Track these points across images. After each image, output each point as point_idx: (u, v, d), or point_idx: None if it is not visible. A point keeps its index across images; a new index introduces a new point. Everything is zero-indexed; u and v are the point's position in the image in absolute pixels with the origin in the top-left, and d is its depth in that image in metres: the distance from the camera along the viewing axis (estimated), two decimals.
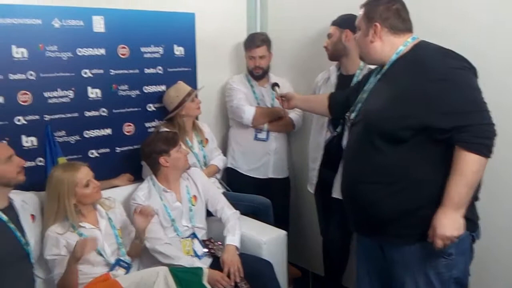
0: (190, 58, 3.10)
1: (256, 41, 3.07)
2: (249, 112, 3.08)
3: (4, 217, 2.07)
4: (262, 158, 3.20)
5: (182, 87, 2.91)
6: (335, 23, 2.67)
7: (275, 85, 2.83)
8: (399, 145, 1.76)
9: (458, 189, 1.68)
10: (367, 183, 1.85)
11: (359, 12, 1.94)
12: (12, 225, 2.08)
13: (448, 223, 1.68)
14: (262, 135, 3.16)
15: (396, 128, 1.74)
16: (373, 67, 2.09)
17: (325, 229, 2.98)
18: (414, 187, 1.77)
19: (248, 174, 3.23)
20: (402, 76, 1.78)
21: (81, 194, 2.21)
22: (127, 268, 2.31)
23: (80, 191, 2.20)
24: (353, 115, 1.98)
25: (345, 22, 2.57)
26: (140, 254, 2.41)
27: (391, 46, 1.85)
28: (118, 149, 2.85)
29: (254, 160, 3.21)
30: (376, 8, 1.85)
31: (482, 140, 1.64)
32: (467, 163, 1.65)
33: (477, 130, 1.64)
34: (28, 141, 2.47)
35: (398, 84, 1.78)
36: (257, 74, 3.12)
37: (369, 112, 1.87)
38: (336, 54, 2.69)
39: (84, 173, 2.23)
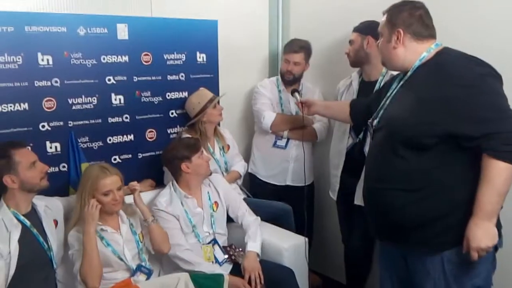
0: (212, 65, 3.11)
1: (295, 46, 3.05)
2: (268, 117, 3.07)
3: (28, 222, 2.10)
4: (280, 165, 3.19)
5: (204, 94, 2.92)
6: (357, 29, 2.66)
7: (295, 91, 2.82)
8: (422, 152, 1.75)
9: (489, 198, 1.65)
10: (390, 189, 1.84)
11: (382, 19, 1.93)
12: (35, 230, 2.11)
13: (482, 234, 1.66)
14: (282, 143, 3.15)
15: (420, 135, 1.73)
16: (395, 73, 2.08)
17: (347, 236, 2.96)
18: (437, 195, 1.75)
19: (266, 180, 3.23)
20: (427, 83, 1.77)
21: (99, 200, 2.21)
22: (148, 274, 2.32)
23: (98, 197, 2.21)
24: (375, 122, 1.97)
25: (367, 29, 2.56)
26: (153, 235, 2.37)
27: (414, 53, 1.84)
28: (140, 155, 2.87)
29: (272, 166, 3.20)
30: (399, 15, 1.85)
31: (511, 148, 1.62)
32: (497, 171, 1.63)
33: (505, 137, 1.62)
34: (52, 147, 2.50)
35: (422, 90, 1.76)
36: (288, 79, 3.09)
37: (392, 119, 1.86)
38: (358, 60, 2.68)
39: (109, 182, 2.22)
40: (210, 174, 2.66)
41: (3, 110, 2.32)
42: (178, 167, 2.53)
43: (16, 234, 2.03)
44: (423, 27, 1.84)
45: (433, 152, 1.73)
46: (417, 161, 1.76)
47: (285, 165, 3.18)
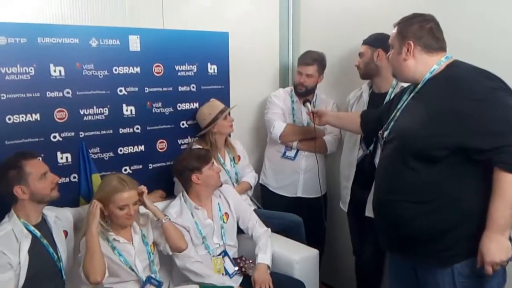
0: (223, 76, 3.12)
1: (308, 58, 3.06)
2: (278, 127, 3.07)
3: (38, 233, 2.09)
4: (290, 176, 3.18)
5: (215, 105, 2.93)
6: (367, 42, 2.67)
7: (306, 101, 2.84)
8: (433, 164, 1.76)
9: (501, 212, 1.66)
10: (400, 201, 1.84)
11: (392, 31, 1.95)
12: (45, 241, 2.11)
13: (496, 248, 1.67)
14: (291, 154, 3.14)
15: (431, 147, 1.74)
16: (405, 85, 2.09)
17: (358, 248, 2.94)
18: (447, 207, 1.76)
19: (277, 192, 3.22)
20: (437, 95, 1.78)
21: (112, 212, 2.21)
22: (158, 286, 2.31)
23: (112, 209, 2.21)
24: (386, 133, 1.97)
25: (377, 41, 2.57)
26: (168, 234, 2.35)
27: (425, 65, 1.86)
28: (151, 166, 2.88)
29: (282, 177, 3.20)
30: (410, 27, 1.86)
31: None
32: (508, 185, 1.64)
33: None
34: (63, 158, 2.51)
35: (433, 103, 1.77)
36: (300, 90, 3.09)
37: (403, 131, 1.87)
38: (368, 73, 2.69)
39: (127, 196, 2.20)
40: (221, 185, 2.65)
41: (15, 121, 2.33)
42: (188, 178, 2.53)
43: (26, 245, 2.03)
44: (434, 39, 1.85)
45: (444, 164, 1.74)
46: (428, 173, 1.77)
47: (295, 177, 3.17)
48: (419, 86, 1.88)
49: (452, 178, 1.74)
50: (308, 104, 2.79)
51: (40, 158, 2.33)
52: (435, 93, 1.79)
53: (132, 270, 2.24)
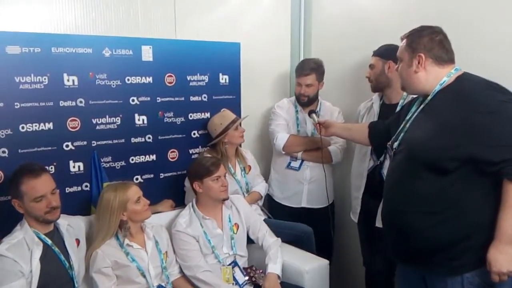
0: (234, 86, 3.14)
1: (305, 69, 3.03)
2: (281, 138, 3.06)
3: (49, 241, 2.10)
4: (295, 187, 3.16)
5: (226, 115, 2.94)
6: (377, 54, 2.66)
7: (312, 112, 2.81)
8: (444, 175, 1.76)
9: (509, 223, 1.67)
10: (410, 212, 1.85)
11: (401, 43, 1.95)
12: (56, 249, 2.11)
13: (504, 258, 1.67)
14: (295, 164, 3.12)
15: (441, 159, 1.74)
16: (415, 96, 2.08)
17: (368, 259, 2.92)
18: (458, 217, 1.76)
19: (281, 202, 3.21)
20: (448, 107, 1.78)
21: (132, 210, 2.25)
22: None
23: (131, 207, 2.25)
24: (395, 144, 1.98)
25: (388, 53, 2.55)
26: None
27: (435, 77, 1.86)
28: (162, 175, 2.89)
29: (286, 188, 3.18)
30: (420, 39, 1.87)
31: None
32: None
33: None
34: (75, 167, 2.53)
35: (444, 115, 1.78)
36: (303, 101, 3.09)
37: (413, 142, 1.87)
38: (379, 85, 2.68)
39: (135, 190, 2.29)
40: (226, 199, 2.61)
41: (28, 130, 2.36)
42: (192, 185, 2.55)
43: (37, 253, 2.03)
44: (444, 51, 1.86)
45: (454, 175, 1.74)
46: (438, 184, 1.78)
47: (299, 187, 3.15)
48: (429, 98, 1.88)
49: (462, 189, 1.75)
50: (314, 115, 2.76)
51: (53, 167, 2.36)
52: (446, 105, 1.80)
53: (144, 276, 2.25)
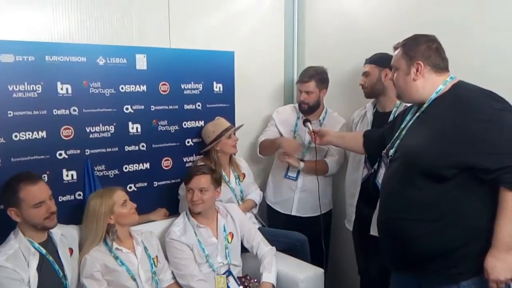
0: (228, 95, 3.15)
1: (304, 76, 3.03)
2: (259, 143, 3.16)
3: (43, 250, 2.09)
4: (286, 193, 3.17)
5: (220, 123, 2.94)
6: (373, 61, 2.68)
7: (306, 121, 2.79)
8: (441, 183, 1.77)
9: (507, 230, 1.68)
10: (407, 220, 1.85)
11: (396, 52, 1.96)
12: (51, 258, 2.10)
13: (501, 266, 1.68)
14: (292, 174, 3.12)
15: (438, 166, 1.75)
16: (409, 104, 2.09)
17: (363, 267, 2.92)
18: (455, 225, 1.77)
19: (273, 207, 3.23)
20: (445, 115, 1.79)
21: (119, 213, 2.26)
22: None
23: (118, 210, 2.26)
24: (391, 151, 1.98)
25: (384, 61, 2.55)
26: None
27: (432, 85, 1.87)
28: (156, 183, 2.88)
29: (279, 193, 3.20)
30: (417, 47, 1.88)
31: None
32: None
33: None
34: (69, 175, 2.52)
35: (440, 122, 1.80)
36: (303, 108, 3.07)
37: (410, 150, 1.87)
38: (374, 92, 2.70)
39: (120, 194, 2.31)
40: (196, 213, 2.56)
41: (22, 138, 2.35)
42: None
43: (34, 262, 2.03)
44: (440, 59, 1.88)
45: (451, 183, 1.75)
46: (435, 191, 1.78)
47: (290, 195, 3.16)
48: (425, 106, 1.89)
49: (459, 196, 1.76)
50: (308, 124, 2.74)
51: (46, 176, 2.35)
52: (442, 113, 1.81)
53: (134, 279, 2.24)
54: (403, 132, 1.96)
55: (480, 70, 2.32)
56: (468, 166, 1.70)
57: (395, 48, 1.97)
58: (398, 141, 1.97)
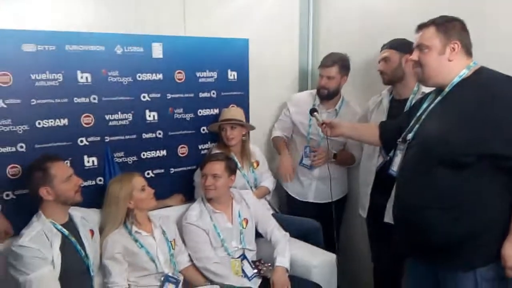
0: (243, 82, 3.17)
1: (328, 60, 3.00)
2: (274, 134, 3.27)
3: (66, 231, 2.16)
4: (302, 180, 3.20)
5: (227, 112, 2.98)
6: (393, 47, 2.61)
7: (313, 111, 2.64)
8: (460, 170, 1.73)
9: None
10: (425, 207, 1.81)
11: (423, 30, 1.87)
12: (73, 239, 2.17)
13: None
14: (306, 162, 3.12)
15: (458, 153, 1.71)
16: (427, 91, 2.05)
17: (377, 255, 2.92)
18: (473, 213, 1.74)
19: (291, 194, 3.26)
20: (468, 101, 1.75)
21: (138, 198, 2.33)
22: (176, 283, 2.38)
23: (137, 195, 2.32)
24: (410, 136, 1.94)
25: (404, 46, 2.50)
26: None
27: (458, 68, 1.81)
28: (172, 170, 2.93)
29: (295, 180, 3.21)
30: (453, 26, 1.81)
31: None
32: None
33: None
34: (90, 161, 2.59)
35: (464, 108, 1.75)
36: (322, 93, 3.05)
37: (429, 136, 1.83)
38: (393, 78, 2.64)
39: (139, 180, 2.38)
40: (208, 198, 2.62)
41: (44, 125, 2.42)
42: None
43: (57, 243, 2.10)
44: (470, 42, 1.83)
45: (470, 170, 1.72)
46: (454, 178, 1.75)
47: (307, 182, 3.19)
48: (446, 90, 1.84)
49: (478, 184, 1.73)
50: (316, 114, 2.58)
51: (68, 162, 2.42)
52: (466, 99, 1.76)
53: (153, 261, 2.31)
54: (423, 117, 1.91)
55: (503, 57, 2.21)
56: (488, 153, 1.67)
57: (422, 26, 1.87)
58: (417, 125, 1.92)
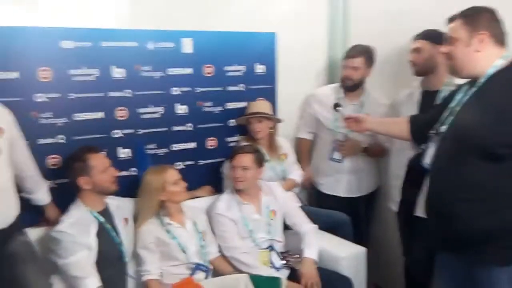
0: (270, 76, 3.19)
1: (353, 51, 2.99)
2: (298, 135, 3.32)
3: (102, 218, 2.27)
4: (332, 175, 3.17)
5: (254, 105, 3.00)
6: (426, 37, 2.57)
7: (337, 106, 2.62)
8: (495, 162, 1.69)
9: None
10: (459, 199, 1.78)
11: (454, 23, 1.84)
12: (108, 226, 2.28)
13: None
14: (337, 156, 3.10)
15: (495, 145, 1.67)
16: (461, 82, 2.00)
17: (407, 248, 2.86)
18: (508, 206, 1.71)
19: (319, 189, 3.25)
20: (505, 92, 1.71)
21: (171, 191, 2.39)
22: (207, 272, 2.44)
23: (170, 188, 2.38)
24: (443, 128, 1.90)
25: (436, 37, 2.44)
26: None
27: (491, 59, 1.77)
28: (201, 162, 2.99)
29: (323, 175, 3.21)
30: (480, 17, 1.78)
31: None
32: None
33: None
34: (124, 153, 2.69)
35: (500, 99, 1.71)
36: (346, 84, 3.02)
37: (463, 127, 1.79)
38: (426, 69, 2.60)
39: (173, 173, 2.43)
40: (238, 190, 2.65)
41: (82, 118, 2.53)
42: None
43: (94, 228, 2.21)
44: (501, 32, 1.78)
45: (506, 163, 1.68)
46: (489, 171, 1.71)
47: (337, 177, 3.16)
48: (481, 81, 1.78)
49: None
50: (340, 108, 2.57)
51: (104, 153, 2.50)
52: (503, 90, 1.72)
53: (184, 252, 2.37)
54: (457, 109, 1.86)
55: None
56: None
57: (452, 19, 1.85)
58: (451, 118, 1.87)
